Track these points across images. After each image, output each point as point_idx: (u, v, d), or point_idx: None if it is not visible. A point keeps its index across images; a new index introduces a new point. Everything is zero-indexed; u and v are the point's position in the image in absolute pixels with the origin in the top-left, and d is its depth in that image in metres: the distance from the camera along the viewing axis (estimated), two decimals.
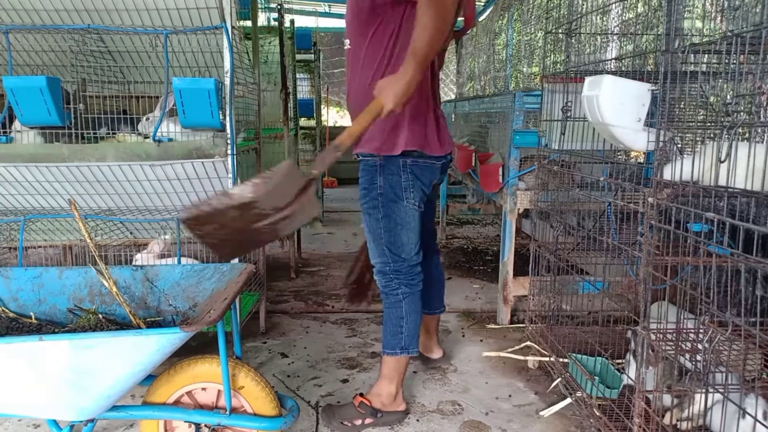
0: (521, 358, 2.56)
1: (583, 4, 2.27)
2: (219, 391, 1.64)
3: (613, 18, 2.68)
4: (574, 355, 2.22)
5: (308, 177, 1.51)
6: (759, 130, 2.04)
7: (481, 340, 2.82)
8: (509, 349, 2.63)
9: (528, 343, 2.66)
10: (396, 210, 1.97)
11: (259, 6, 4.10)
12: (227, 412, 1.59)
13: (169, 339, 1.34)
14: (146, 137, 2.27)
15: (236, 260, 2.22)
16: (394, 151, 1.90)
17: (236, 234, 1.46)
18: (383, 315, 2.09)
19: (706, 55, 1.76)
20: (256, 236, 1.50)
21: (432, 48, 1.62)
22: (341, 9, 8.80)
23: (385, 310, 2.09)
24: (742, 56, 1.61)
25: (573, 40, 2.32)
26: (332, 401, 2.21)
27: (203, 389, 1.65)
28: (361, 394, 2.09)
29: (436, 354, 2.51)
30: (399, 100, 1.59)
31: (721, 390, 1.43)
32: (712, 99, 2.16)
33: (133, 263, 2.37)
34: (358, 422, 2.03)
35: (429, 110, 1.94)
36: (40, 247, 2.85)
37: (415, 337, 2.07)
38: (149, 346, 1.33)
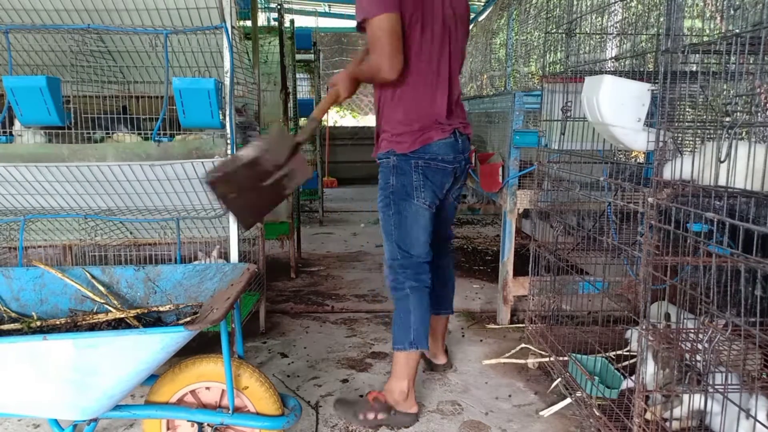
0: (521, 362, 2.56)
1: (577, 4, 2.27)
2: (223, 390, 1.64)
3: (613, 15, 2.68)
4: (574, 354, 2.23)
5: (296, 140, 1.86)
6: (758, 130, 2.04)
7: (481, 340, 2.82)
8: (508, 354, 2.62)
9: (527, 345, 2.66)
10: (406, 207, 2.06)
11: (259, 6, 4.10)
12: (230, 412, 1.59)
13: (173, 338, 1.34)
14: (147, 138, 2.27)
15: (237, 260, 2.23)
16: (404, 150, 2.03)
17: (252, 195, 1.77)
18: (393, 312, 2.14)
19: (706, 56, 1.76)
20: (267, 196, 1.82)
21: (361, 75, 2.03)
22: (341, 9, 8.78)
23: (394, 305, 2.13)
24: (741, 56, 1.61)
25: (573, 40, 2.32)
26: (332, 401, 2.21)
27: (207, 388, 1.65)
28: (375, 391, 2.13)
29: (441, 359, 2.49)
30: (345, 91, 2.03)
31: (720, 390, 1.43)
32: (711, 99, 2.16)
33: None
34: (371, 416, 2.05)
35: (432, 116, 2.05)
36: (40, 247, 2.85)
37: (423, 333, 2.08)
38: (153, 345, 1.34)
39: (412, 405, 2.10)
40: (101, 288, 1.80)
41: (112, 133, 2.32)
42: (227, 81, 2.11)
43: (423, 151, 2.03)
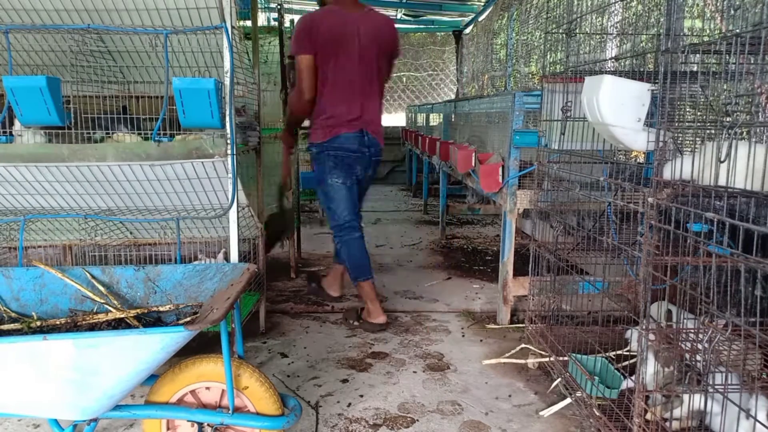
0: (521, 362, 2.56)
1: (578, 4, 2.27)
2: (223, 390, 1.64)
3: (614, 16, 2.69)
4: (574, 355, 2.23)
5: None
6: (758, 130, 2.04)
7: (481, 341, 2.83)
8: (508, 354, 2.62)
9: (527, 345, 2.67)
10: (327, 186, 2.94)
11: (259, 6, 4.10)
12: (230, 412, 1.59)
13: (173, 338, 1.34)
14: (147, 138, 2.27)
15: (237, 260, 2.23)
16: (318, 140, 2.88)
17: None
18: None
19: (706, 56, 1.76)
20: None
21: (290, 118, 3.12)
22: None
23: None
24: (741, 56, 1.61)
25: (573, 40, 2.32)
26: (332, 401, 2.22)
27: (207, 388, 1.65)
28: (363, 309, 3.02)
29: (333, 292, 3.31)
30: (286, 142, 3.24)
31: (720, 390, 1.43)
32: (711, 99, 2.16)
33: None
34: (351, 321, 3.03)
35: (343, 117, 2.84)
36: (40, 247, 2.85)
37: (360, 269, 2.94)
38: (153, 345, 1.34)
39: (377, 317, 2.92)
40: (101, 288, 1.80)
41: (112, 133, 2.32)
42: (227, 81, 2.11)
43: (332, 141, 2.82)
